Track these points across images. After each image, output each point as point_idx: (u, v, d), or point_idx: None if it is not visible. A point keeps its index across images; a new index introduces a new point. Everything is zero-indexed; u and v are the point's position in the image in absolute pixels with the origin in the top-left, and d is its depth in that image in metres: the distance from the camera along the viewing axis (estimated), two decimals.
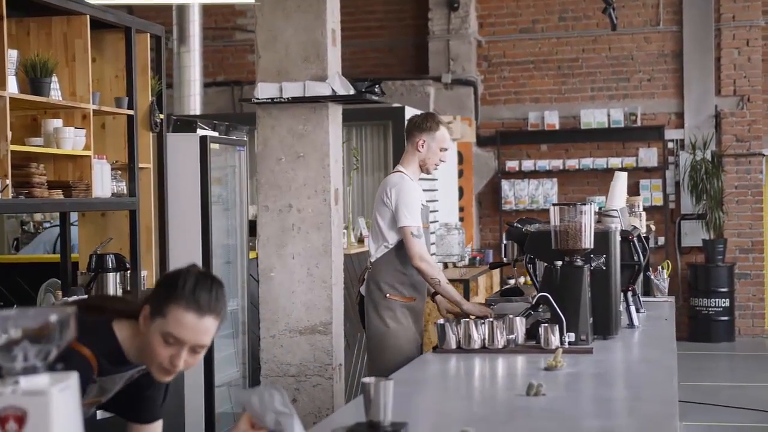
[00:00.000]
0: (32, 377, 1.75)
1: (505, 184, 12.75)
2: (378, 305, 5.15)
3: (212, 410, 6.16)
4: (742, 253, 12.40)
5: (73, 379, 1.79)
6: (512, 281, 12.19)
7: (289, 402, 2.51)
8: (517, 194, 12.75)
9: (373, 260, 5.24)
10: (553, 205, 4.44)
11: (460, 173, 12.30)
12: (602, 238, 4.51)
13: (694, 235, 12.39)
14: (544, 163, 12.67)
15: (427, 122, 5.24)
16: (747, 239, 12.42)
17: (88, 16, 5.12)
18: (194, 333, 2.53)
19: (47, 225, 8.59)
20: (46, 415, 1.72)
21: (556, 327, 4.18)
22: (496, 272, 11.04)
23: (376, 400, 2.72)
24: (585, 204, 4.39)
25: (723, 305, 12.05)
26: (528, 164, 12.70)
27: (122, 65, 5.54)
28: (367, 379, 2.73)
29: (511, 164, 12.75)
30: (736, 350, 11.81)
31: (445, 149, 5.27)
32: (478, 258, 10.61)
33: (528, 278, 12.11)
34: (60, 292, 5.34)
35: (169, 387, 2.88)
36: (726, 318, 12.09)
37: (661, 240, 12.37)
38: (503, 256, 5.18)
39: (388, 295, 5.13)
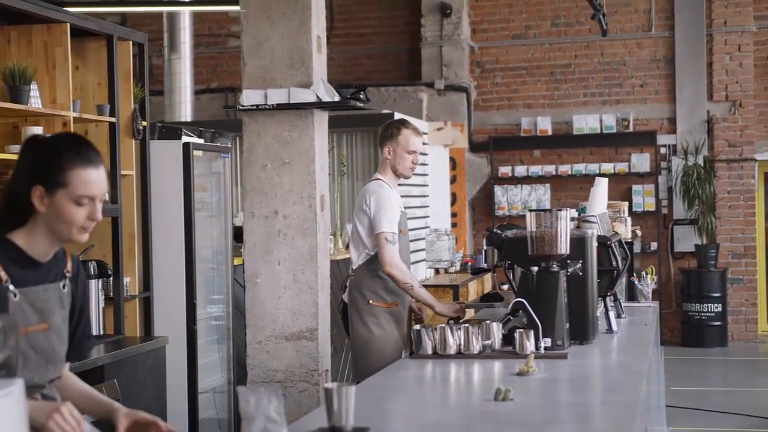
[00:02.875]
0: None
1: (498, 190, 12.76)
2: (361, 312, 5.21)
3: (196, 416, 6.17)
4: (735, 258, 12.41)
5: (17, 385, 1.81)
6: (506, 287, 12.20)
7: (283, 411, 2.52)
8: (510, 200, 12.77)
9: (354, 267, 5.32)
10: (530, 210, 4.46)
11: (453, 179, 12.33)
12: (579, 243, 4.52)
13: (686, 240, 12.40)
14: (536, 169, 12.68)
15: (388, 129, 5.37)
16: (739, 244, 12.42)
17: (68, 24, 5.14)
18: (99, 185, 2.69)
19: None
20: None
21: (532, 332, 4.20)
22: (488, 278, 11.06)
23: (338, 405, 2.73)
24: (561, 210, 4.40)
25: (715, 310, 12.06)
26: (521, 170, 12.72)
27: (105, 73, 5.57)
28: (328, 385, 2.75)
29: (504, 170, 12.77)
30: (728, 355, 11.81)
31: (413, 152, 5.33)
32: (470, 264, 10.61)
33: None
34: None
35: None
36: (718, 323, 12.09)
37: (654, 245, 12.38)
38: (484, 261, 5.20)
39: (371, 301, 5.21)
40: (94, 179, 2.66)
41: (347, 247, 7.93)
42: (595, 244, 4.66)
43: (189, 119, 10.53)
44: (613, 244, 5.01)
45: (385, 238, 5.11)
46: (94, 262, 5.38)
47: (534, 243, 4.39)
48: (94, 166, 2.68)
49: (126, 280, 5.66)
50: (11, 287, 2.63)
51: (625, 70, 12.69)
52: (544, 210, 4.44)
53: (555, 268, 4.39)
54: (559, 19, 12.84)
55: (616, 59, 12.71)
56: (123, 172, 5.66)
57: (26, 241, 2.69)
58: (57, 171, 2.64)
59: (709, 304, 12.04)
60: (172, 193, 6.13)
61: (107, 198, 5.53)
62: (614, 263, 4.97)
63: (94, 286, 5.36)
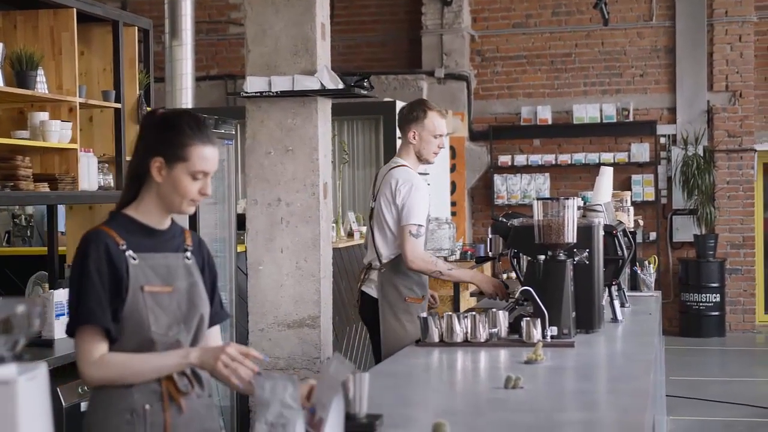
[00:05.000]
0: None
1: (498, 179, 12.77)
2: (396, 309, 5.01)
3: None
4: (733, 249, 12.43)
5: (41, 370, 1.81)
6: (505, 276, 12.21)
7: (299, 397, 2.53)
8: (509, 189, 12.77)
9: (384, 261, 5.07)
10: (537, 199, 4.45)
11: (453, 168, 12.32)
12: (585, 232, 4.52)
13: (685, 230, 12.42)
14: (536, 158, 12.69)
15: (413, 112, 5.11)
16: (738, 234, 12.45)
17: (74, 10, 5.13)
18: (214, 162, 2.84)
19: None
20: (13, 404, 1.73)
21: (539, 321, 4.20)
22: (488, 266, 11.08)
23: (351, 392, 2.74)
24: (568, 199, 4.40)
25: (714, 300, 12.09)
26: (520, 159, 12.72)
27: (110, 58, 5.56)
28: None
29: (504, 159, 12.78)
30: (726, 345, 11.84)
31: (439, 135, 5.10)
32: (469, 252, 10.62)
33: None
34: (47, 285, 5.35)
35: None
36: (717, 313, 12.12)
37: (653, 235, 12.39)
38: (488, 250, 5.17)
39: (407, 298, 5.01)
40: (210, 156, 2.81)
41: (349, 235, 7.93)
42: (601, 233, 4.66)
43: (190, 106, 10.48)
44: (618, 233, 5.01)
45: (410, 231, 4.88)
46: None
47: (541, 232, 4.39)
48: (212, 144, 2.83)
49: None
50: (130, 252, 2.77)
51: (626, 59, 12.68)
52: (552, 199, 4.43)
53: (562, 256, 4.39)
54: (560, 8, 12.83)
55: (617, 49, 12.70)
56: (128, 158, 5.65)
57: (138, 213, 2.84)
58: (178, 145, 2.78)
59: (708, 294, 12.07)
60: None
61: (112, 184, 5.53)
62: (620, 252, 4.98)
63: None
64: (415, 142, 5.10)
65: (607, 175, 5.52)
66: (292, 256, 5.70)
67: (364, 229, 8.18)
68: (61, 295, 5.02)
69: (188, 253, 2.91)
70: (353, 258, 7.53)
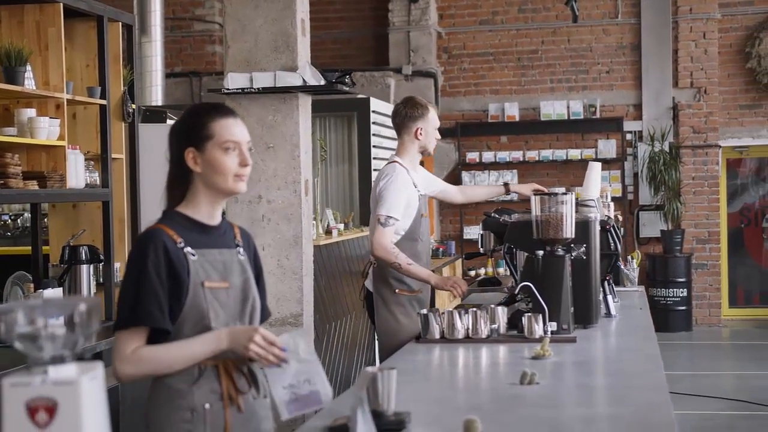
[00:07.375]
0: (61, 367, 1.73)
1: (466, 176, 12.78)
2: (387, 301, 5.07)
3: None
4: (699, 244, 12.55)
5: (99, 369, 1.77)
6: (472, 273, 12.24)
7: (313, 349, 2.51)
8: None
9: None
10: (535, 194, 4.45)
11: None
12: (582, 227, 4.52)
13: (652, 225, 12.52)
14: (504, 155, 12.72)
15: (417, 110, 5.20)
16: (704, 230, 12.57)
17: (61, 5, 5.04)
18: (241, 131, 2.84)
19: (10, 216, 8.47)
20: (77, 404, 1.70)
21: (539, 316, 4.20)
22: (459, 263, 11.10)
23: (380, 389, 2.71)
24: (566, 193, 4.40)
25: (681, 295, 12.20)
26: (488, 156, 12.75)
27: (93, 54, 5.47)
28: (371, 369, 2.72)
29: (472, 156, 12.79)
30: (693, 339, 11.96)
31: (437, 126, 5.30)
32: (440, 249, 10.64)
33: (491, 269, 12.12)
34: (31, 285, 5.26)
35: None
36: (683, 308, 12.24)
37: (620, 231, 12.46)
38: (479, 246, 5.16)
39: (397, 290, 5.07)
40: (233, 125, 2.82)
41: (327, 232, 7.89)
42: (598, 228, 4.67)
43: (161, 103, 10.39)
44: (611, 228, 5.03)
45: (378, 220, 4.96)
46: (85, 247, 5.29)
47: (539, 227, 4.39)
48: (233, 117, 2.85)
49: (116, 265, 5.57)
50: (188, 249, 2.77)
51: (592, 56, 12.75)
52: (549, 194, 4.43)
53: (560, 251, 4.39)
54: (527, 5, 12.86)
55: (583, 45, 12.77)
56: (113, 156, 5.56)
57: (189, 209, 2.84)
58: (201, 126, 2.80)
59: (675, 289, 12.18)
60: (161, 177, 6.03)
61: (98, 182, 5.44)
62: (613, 246, 5.00)
63: (86, 272, 5.28)
64: (421, 138, 5.20)
65: (595, 171, 5.53)
66: (274, 254, 5.68)
67: (342, 226, 8.16)
68: (51, 295, 4.94)
69: (241, 249, 2.90)
70: (332, 255, 7.50)
